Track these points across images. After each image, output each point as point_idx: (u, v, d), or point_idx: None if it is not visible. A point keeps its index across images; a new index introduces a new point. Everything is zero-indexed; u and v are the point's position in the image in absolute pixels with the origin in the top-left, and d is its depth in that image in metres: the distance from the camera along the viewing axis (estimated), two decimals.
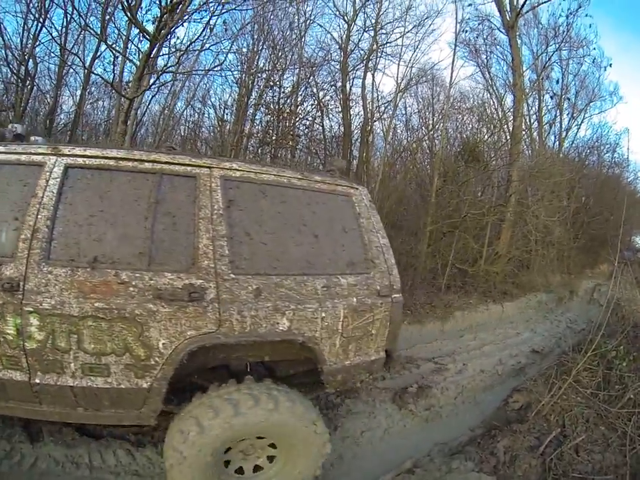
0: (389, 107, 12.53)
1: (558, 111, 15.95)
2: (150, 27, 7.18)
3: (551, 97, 15.75)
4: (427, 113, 13.72)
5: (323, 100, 11.91)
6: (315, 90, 11.93)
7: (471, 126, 12.90)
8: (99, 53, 10.64)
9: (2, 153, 2.49)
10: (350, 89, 12.72)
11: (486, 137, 11.97)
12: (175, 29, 7.34)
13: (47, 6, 8.83)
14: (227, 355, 2.81)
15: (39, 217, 2.37)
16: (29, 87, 9.13)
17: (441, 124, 11.45)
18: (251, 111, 10.04)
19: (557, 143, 16.09)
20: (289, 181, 2.81)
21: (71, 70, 11.25)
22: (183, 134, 12.46)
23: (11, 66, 8.88)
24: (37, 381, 2.39)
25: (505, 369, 5.56)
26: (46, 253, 2.34)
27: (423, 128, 13.09)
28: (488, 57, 14.36)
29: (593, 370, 4.55)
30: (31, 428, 3.18)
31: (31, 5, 8.95)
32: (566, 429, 3.72)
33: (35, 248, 2.33)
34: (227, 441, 2.54)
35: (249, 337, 2.55)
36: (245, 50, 10.32)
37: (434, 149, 11.61)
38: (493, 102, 14.31)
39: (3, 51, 8.86)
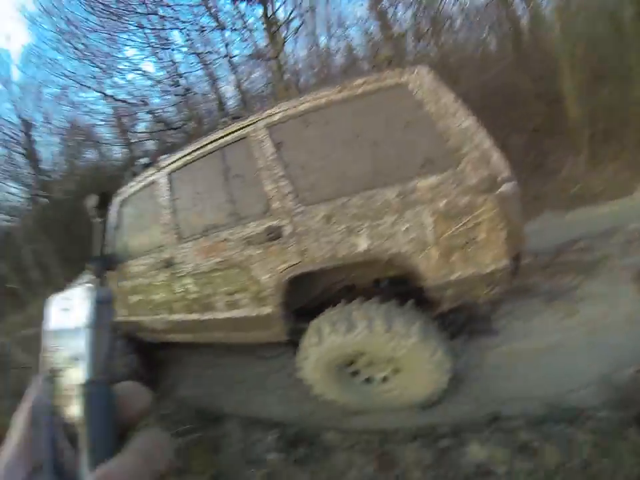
0: None
1: None
2: None
3: None
4: None
5: None
6: None
7: None
8: (227, 41, 11.47)
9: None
10: None
11: None
12: None
13: (164, 35, 10.17)
14: (334, 278, 3.03)
15: (170, 215, 3.45)
16: (193, 94, 10.52)
17: None
18: (392, 11, 9.38)
19: None
20: (327, 99, 2.70)
21: (216, 65, 12.30)
22: (340, 63, 12.49)
23: (169, 92, 10.54)
24: (204, 317, 3.54)
25: None
26: (179, 236, 3.40)
27: None
28: None
29: None
30: None
31: (152, 43, 10.19)
32: None
33: (172, 235, 3.43)
34: (342, 353, 2.84)
35: (331, 262, 2.71)
36: None
37: None
38: None
39: (157, 86, 10.87)
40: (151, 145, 14.79)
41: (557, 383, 3.35)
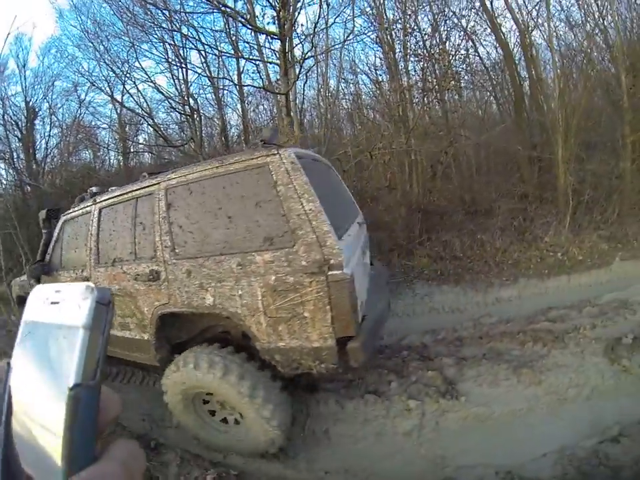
0: (541, 9, 10.43)
1: None
2: (273, 28, 7.96)
3: None
4: None
5: (468, 27, 10.76)
6: (456, 21, 10.85)
7: None
8: (241, 69, 12.22)
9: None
10: (492, 5, 11.10)
11: None
12: (295, 19, 8.00)
13: (183, 53, 10.57)
14: (207, 323, 3.44)
15: (93, 242, 3.85)
16: (198, 119, 10.87)
17: (609, 5, 9.05)
18: (402, 64, 9.80)
19: None
20: (208, 172, 3.05)
21: (226, 91, 13.01)
22: (345, 107, 12.89)
23: (177, 110, 10.77)
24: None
25: None
26: (96, 260, 3.80)
27: (589, 20, 10.57)
28: None
29: None
30: None
31: (170, 59, 10.55)
32: None
33: (92, 258, 3.87)
34: (193, 386, 3.20)
35: (187, 308, 3.16)
36: (368, 9, 10.07)
37: (610, 41, 9.39)
38: None
39: (167, 102, 11.19)
40: (147, 157, 15.08)
41: (516, 451, 3.32)
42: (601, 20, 9.82)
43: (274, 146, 2.94)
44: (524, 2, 10.90)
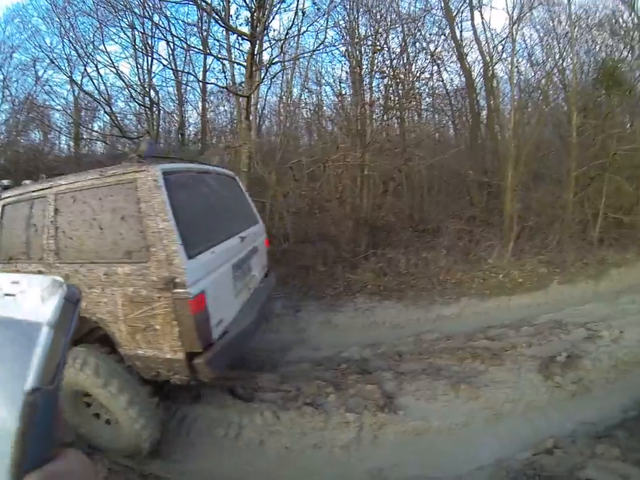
0: (506, 45, 11.23)
1: None
2: (245, 29, 7.83)
3: None
4: (550, 41, 11.74)
5: (435, 52, 11.16)
6: (424, 44, 11.24)
7: (604, 45, 10.74)
8: (208, 66, 11.91)
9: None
10: (461, 35, 11.85)
11: (625, 53, 10.01)
12: (269, 23, 7.97)
13: (151, 42, 10.20)
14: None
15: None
16: (156, 112, 10.52)
17: (569, 49, 9.80)
18: (367, 80, 9.91)
19: None
20: (90, 182, 3.16)
21: (189, 87, 12.52)
22: (305, 117, 12.85)
23: (136, 100, 10.35)
24: None
25: None
26: (2, 254, 3.66)
27: (550, 60, 11.38)
28: None
29: None
30: (192, 391, 3.94)
31: (137, 46, 10.06)
32: None
33: None
34: (70, 385, 3.14)
35: None
36: (342, 22, 10.14)
37: (566, 81, 10.16)
38: (625, 9, 11.24)
39: (127, 90, 10.55)
40: (100, 147, 14.25)
41: (453, 463, 3.33)
42: (561, 61, 10.63)
43: (148, 160, 3.12)
44: (491, 36, 11.57)
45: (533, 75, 11.61)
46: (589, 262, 7.56)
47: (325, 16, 9.65)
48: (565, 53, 10.50)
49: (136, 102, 11.01)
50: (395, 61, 10.25)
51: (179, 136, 12.07)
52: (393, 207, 9.80)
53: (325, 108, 12.80)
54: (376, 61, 9.95)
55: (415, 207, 10.79)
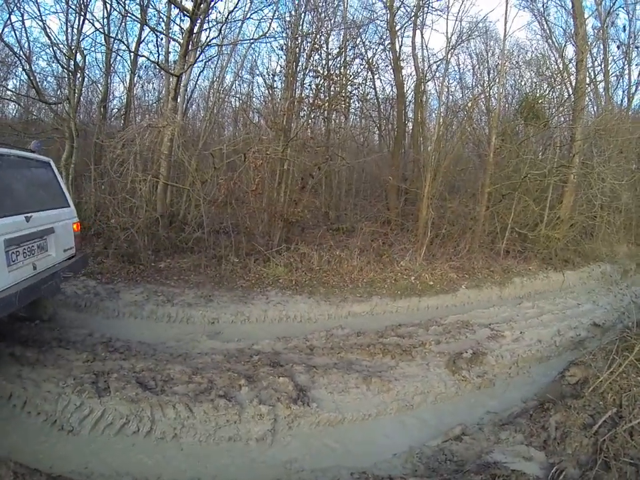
0: (441, 66, 12.02)
1: (626, 63, 13.98)
2: (189, 5, 7.58)
3: (618, 47, 13.76)
4: (482, 69, 13.10)
5: (372, 60, 11.53)
6: (363, 51, 11.54)
7: (530, 81, 12.17)
8: (143, 37, 11.06)
9: None
10: (400, 49, 12.36)
11: (547, 91, 11.24)
12: (214, 3, 7.76)
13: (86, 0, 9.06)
14: None
15: None
16: (80, 78, 9.44)
17: (497, 79, 10.78)
18: (300, 76, 9.85)
19: (626, 98, 14.35)
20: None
21: (119, 57, 11.57)
22: (233, 106, 12.64)
23: (60, 62, 9.27)
24: None
25: (562, 341, 5.46)
26: None
27: (479, 86, 12.47)
28: (545, 4, 13.23)
29: None
30: (99, 383, 3.71)
31: (70, 1, 9.10)
32: (622, 410, 3.65)
33: None
34: None
35: None
36: (287, 16, 10.00)
37: (491, 107, 11.12)
38: (553, 54, 13.07)
39: (51, 49, 9.32)
40: (12, 109, 12.60)
41: (367, 452, 3.33)
42: (488, 88, 11.65)
43: None
44: (428, 55, 12.27)
45: (460, 96, 12.74)
46: (495, 270, 8.14)
47: (273, 7, 9.61)
48: (492, 83, 11.60)
49: (59, 63, 9.69)
50: (330, 62, 10.26)
51: (101, 108, 10.97)
52: (309, 204, 9.69)
53: (254, 99, 12.64)
54: (312, 59, 9.90)
55: (331, 206, 10.88)
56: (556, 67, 12.25)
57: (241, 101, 12.56)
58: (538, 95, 10.98)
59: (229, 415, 3.49)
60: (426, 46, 12.85)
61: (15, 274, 3.61)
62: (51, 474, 2.78)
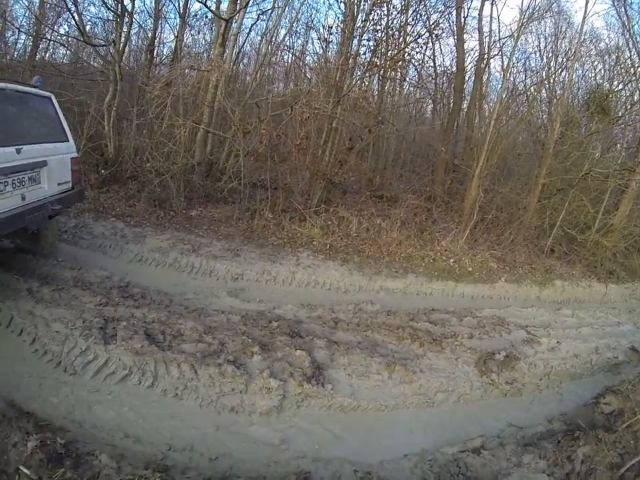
0: (508, 42, 11.18)
1: None
2: None
3: None
4: (550, 53, 11.82)
5: (434, 27, 10.55)
6: (425, 16, 10.64)
7: (602, 72, 11.09)
8: None
9: None
10: (465, 19, 11.45)
11: (618, 87, 10.28)
12: None
13: None
14: None
15: None
16: (128, 22, 9.04)
17: (568, 65, 9.78)
18: (358, 32, 9.13)
19: None
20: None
21: (168, 1, 11.09)
22: (285, 61, 12.17)
23: (108, 5, 8.84)
24: None
25: (599, 360, 5.11)
26: None
27: (546, 69, 11.37)
28: None
29: None
30: (107, 329, 3.65)
31: None
32: None
33: None
34: None
35: None
36: None
37: (555, 94, 10.28)
38: (629, 48, 11.46)
39: None
40: (61, 54, 12.24)
41: (377, 448, 3.16)
42: (555, 74, 10.74)
43: None
44: (498, 28, 11.20)
45: (523, 78, 11.63)
46: (537, 268, 7.73)
47: None
48: (560, 67, 10.67)
49: (107, 7, 9.40)
50: (391, 22, 9.51)
51: (147, 54, 10.65)
52: (355, 167, 9.36)
53: (307, 55, 12.01)
54: (372, 15, 9.20)
55: (377, 173, 10.44)
56: (630, 62, 10.96)
57: (293, 56, 12.00)
58: (609, 89, 10.08)
59: (236, 383, 3.36)
60: (497, 17, 11.67)
61: (1, 202, 3.64)
62: (37, 422, 2.70)
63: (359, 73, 9.08)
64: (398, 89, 11.87)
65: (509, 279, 7.20)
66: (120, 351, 3.40)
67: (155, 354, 3.44)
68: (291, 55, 12.06)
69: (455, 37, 11.33)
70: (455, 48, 11.49)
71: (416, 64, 10.82)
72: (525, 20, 9.40)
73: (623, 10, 11.33)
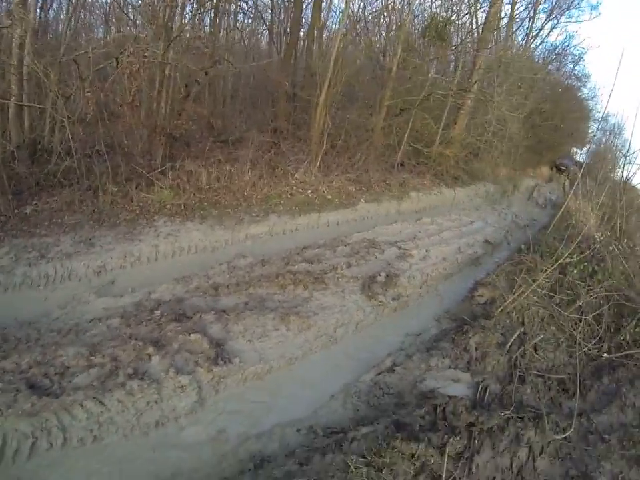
0: None
1: (533, 9, 14.73)
2: None
3: None
4: None
5: None
6: None
7: (439, 2, 11.81)
8: None
9: None
10: None
11: (454, 16, 11.28)
12: None
13: None
14: None
15: None
16: None
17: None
18: None
19: (525, 40, 15.21)
20: None
21: None
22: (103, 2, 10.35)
23: None
24: None
25: (463, 258, 5.86)
26: None
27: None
28: None
29: (549, 272, 4.75)
30: None
31: None
32: (524, 326, 4.07)
33: None
34: None
35: None
36: None
37: (394, 22, 10.78)
38: None
39: None
40: None
41: (304, 399, 3.24)
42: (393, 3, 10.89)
43: None
44: None
45: (362, 6, 11.68)
46: (392, 184, 8.28)
47: None
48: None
49: None
50: None
51: None
52: (193, 115, 8.67)
53: None
54: None
55: (216, 115, 9.83)
56: None
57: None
58: (446, 18, 10.75)
59: (147, 395, 3.03)
60: None
61: None
62: None
63: (189, 10, 8.25)
64: (232, 22, 11.09)
65: (368, 198, 7.57)
66: (11, 421, 2.77)
67: (51, 405, 2.87)
68: None
69: None
70: None
71: None
72: None
73: None
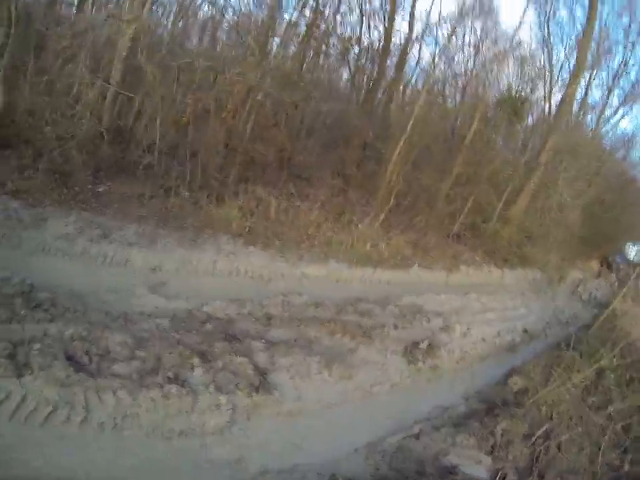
0: (441, 31, 12.22)
1: (607, 92, 14.80)
2: None
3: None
4: (472, 49, 13.12)
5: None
6: None
7: (518, 77, 12.32)
8: None
9: None
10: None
11: (529, 90, 11.74)
12: None
13: None
14: None
15: None
16: None
17: (495, 64, 11.11)
18: None
19: (596, 125, 14.99)
20: None
21: None
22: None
23: None
24: None
25: (501, 342, 6.29)
26: None
27: (469, 63, 12.63)
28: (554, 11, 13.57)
29: (587, 373, 5.03)
30: (18, 356, 3.06)
31: None
32: (552, 422, 4.35)
33: None
34: None
35: None
36: None
37: (478, 91, 11.40)
38: (544, 56, 13.33)
39: None
40: None
41: (329, 446, 3.46)
42: (477, 70, 11.99)
43: None
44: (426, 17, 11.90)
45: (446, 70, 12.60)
46: (446, 253, 8.74)
47: None
48: (484, 65, 11.95)
49: None
50: None
51: None
52: (273, 143, 9.31)
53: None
54: None
55: (294, 149, 10.48)
56: (542, 71, 12.68)
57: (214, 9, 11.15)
58: (524, 95, 11.30)
59: (182, 403, 3.20)
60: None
61: None
62: None
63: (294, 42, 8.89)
64: (319, 59, 11.83)
65: (422, 264, 8.02)
66: (39, 384, 2.90)
67: (85, 382, 3.05)
68: (210, 8, 11.16)
69: (387, 15, 11.69)
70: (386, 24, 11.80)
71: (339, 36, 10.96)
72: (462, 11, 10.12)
73: (546, 25, 13.24)
